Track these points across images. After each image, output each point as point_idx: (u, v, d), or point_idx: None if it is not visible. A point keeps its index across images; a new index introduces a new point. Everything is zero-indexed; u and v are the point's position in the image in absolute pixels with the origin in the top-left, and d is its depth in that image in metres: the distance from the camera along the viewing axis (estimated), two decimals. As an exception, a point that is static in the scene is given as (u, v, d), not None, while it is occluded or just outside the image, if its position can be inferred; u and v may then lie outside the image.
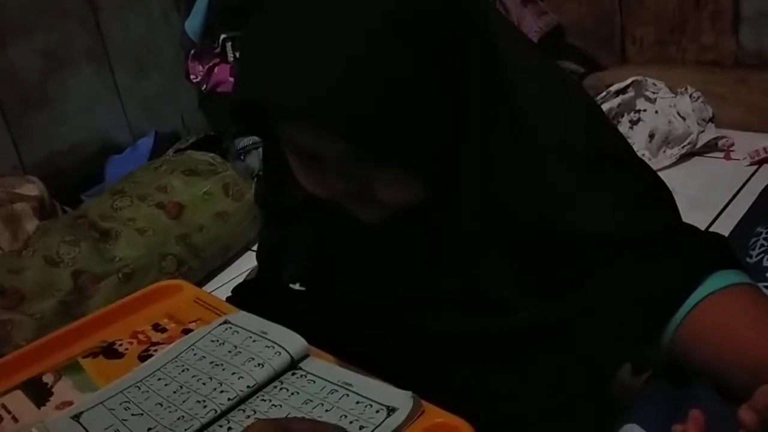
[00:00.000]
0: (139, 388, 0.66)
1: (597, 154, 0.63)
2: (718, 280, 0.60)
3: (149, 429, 0.61)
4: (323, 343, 0.68)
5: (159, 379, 0.67)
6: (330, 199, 0.64)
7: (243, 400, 0.62)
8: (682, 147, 1.66)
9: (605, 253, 0.62)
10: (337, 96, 0.54)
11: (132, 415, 0.63)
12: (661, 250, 0.62)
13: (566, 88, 0.68)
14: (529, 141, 0.62)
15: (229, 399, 0.62)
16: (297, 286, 0.77)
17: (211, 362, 0.67)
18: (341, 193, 0.63)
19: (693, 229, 0.66)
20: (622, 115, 1.74)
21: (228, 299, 0.86)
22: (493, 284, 0.65)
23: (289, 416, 0.60)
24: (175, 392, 0.65)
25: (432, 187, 0.62)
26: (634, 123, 1.73)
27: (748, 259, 0.78)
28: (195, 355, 0.69)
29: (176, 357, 0.69)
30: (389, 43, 0.54)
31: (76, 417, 0.63)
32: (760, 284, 0.65)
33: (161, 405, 0.63)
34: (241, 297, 0.87)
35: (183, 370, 0.67)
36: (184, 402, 0.63)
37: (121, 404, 0.64)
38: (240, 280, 1.03)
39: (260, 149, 1.92)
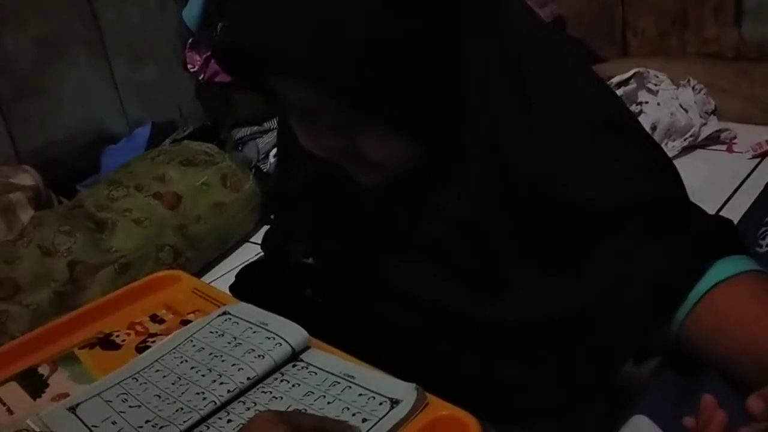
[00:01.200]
0: (137, 380, 0.65)
1: (605, 123, 0.62)
2: (727, 267, 0.59)
3: (147, 421, 0.60)
4: (329, 327, 0.67)
5: (157, 371, 0.66)
6: (329, 161, 0.64)
7: (243, 392, 0.61)
8: (684, 139, 1.65)
9: (612, 222, 0.60)
10: (316, 50, 0.55)
11: (130, 407, 0.62)
12: (670, 223, 0.60)
13: (572, 58, 0.66)
14: (533, 108, 0.61)
15: (228, 391, 0.61)
16: (310, 260, 0.77)
17: (211, 353, 0.66)
18: (336, 152, 0.63)
19: (701, 209, 0.65)
20: (624, 107, 1.72)
21: (232, 285, 0.85)
22: (497, 260, 0.64)
23: (290, 408, 0.59)
24: (173, 384, 0.64)
25: (425, 149, 0.61)
26: (636, 115, 1.71)
27: (758, 249, 0.77)
28: (194, 346, 0.68)
29: (174, 348, 0.68)
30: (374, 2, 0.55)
31: (73, 409, 0.62)
32: (771, 274, 0.63)
33: (159, 397, 0.62)
34: (246, 280, 0.86)
35: (182, 362, 0.66)
36: (182, 394, 0.62)
37: (118, 396, 0.63)
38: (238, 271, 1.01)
39: (257, 140, 1.90)
